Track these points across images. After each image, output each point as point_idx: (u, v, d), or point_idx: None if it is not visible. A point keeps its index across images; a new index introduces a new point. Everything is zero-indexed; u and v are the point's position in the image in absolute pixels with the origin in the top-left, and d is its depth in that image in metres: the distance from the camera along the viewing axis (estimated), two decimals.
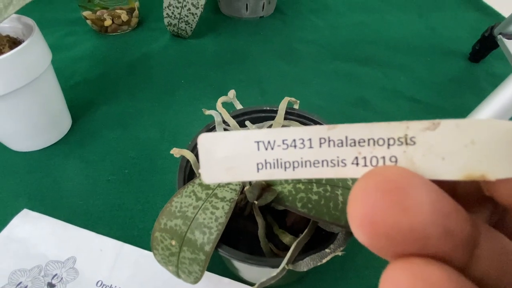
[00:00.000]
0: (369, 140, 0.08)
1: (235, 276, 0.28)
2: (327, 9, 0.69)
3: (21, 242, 0.30)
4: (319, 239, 0.20)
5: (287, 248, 0.21)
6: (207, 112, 0.25)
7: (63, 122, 0.40)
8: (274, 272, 0.19)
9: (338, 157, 0.08)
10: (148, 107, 0.45)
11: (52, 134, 0.39)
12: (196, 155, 0.24)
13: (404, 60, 0.55)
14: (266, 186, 0.19)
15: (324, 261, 0.17)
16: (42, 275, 0.28)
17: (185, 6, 0.53)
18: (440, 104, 0.48)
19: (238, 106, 0.28)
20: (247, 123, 0.25)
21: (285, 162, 0.09)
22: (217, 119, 0.25)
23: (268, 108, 0.27)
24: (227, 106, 0.27)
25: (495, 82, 0.42)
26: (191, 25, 0.55)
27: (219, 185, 0.21)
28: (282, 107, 0.25)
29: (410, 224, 0.07)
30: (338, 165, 0.08)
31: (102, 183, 0.35)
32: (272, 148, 0.09)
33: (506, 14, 0.49)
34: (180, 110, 0.45)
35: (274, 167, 0.09)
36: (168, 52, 0.56)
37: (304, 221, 0.22)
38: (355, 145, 0.08)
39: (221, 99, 0.24)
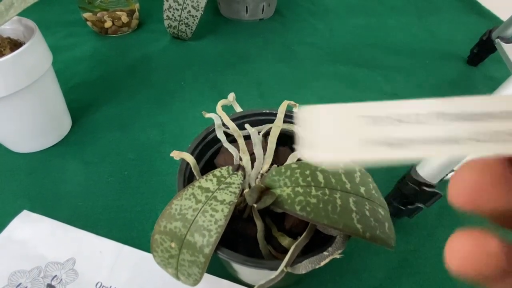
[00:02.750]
0: (487, 114, 0.07)
1: (233, 278, 0.28)
2: (326, 12, 0.69)
3: (21, 243, 0.30)
4: (318, 241, 0.21)
5: (285, 251, 0.21)
6: (207, 115, 0.25)
7: (63, 124, 0.40)
8: (273, 274, 0.19)
9: (451, 132, 0.07)
10: (148, 109, 0.45)
11: (52, 135, 0.39)
12: (196, 158, 0.24)
13: (403, 63, 0.56)
14: (265, 189, 0.20)
15: (322, 263, 0.18)
16: (41, 276, 0.28)
17: (185, 8, 0.53)
18: None
19: (238, 109, 0.28)
20: (247, 126, 0.26)
21: (391, 138, 0.08)
22: (217, 122, 0.25)
23: (267, 111, 0.28)
24: (227, 108, 0.27)
25: (493, 85, 0.43)
26: (191, 27, 0.56)
27: (218, 188, 0.21)
28: (281, 111, 0.25)
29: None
30: (451, 142, 0.07)
31: (102, 184, 0.35)
32: (378, 123, 0.08)
33: (504, 18, 0.49)
34: (180, 112, 0.45)
35: (379, 145, 0.08)
36: (168, 54, 0.56)
37: (302, 224, 0.22)
38: (472, 120, 0.07)
39: (221, 102, 0.25)
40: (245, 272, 0.25)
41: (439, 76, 0.53)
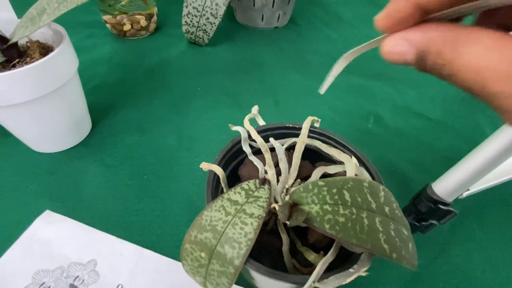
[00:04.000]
0: None
1: (248, 284, 0.29)
2: (340, 22, 0.70)
3: (44, 243, 0.31)
4: (338, 256, 0.21)
5: (309, 265, 0.22)
6: (234, 128, 0.26)
7: (84, 125, 0.41)
8: None
9: None
10: (166, 114, 0.46)
11: (74, 136, 0.40)
12: (224, 170, 0.25)
13: (416, 76, 0.56)
14: (293, 205, 0.20)
15: (348, 280, 0.18)
16: (64, 276, 0.29)
17: (204, 15, 0.54)
18: (451, 123, 0.48)
19: (261, 121, 0.29)
20: (272, 140, 0.26)
21: None
22: (244, 135, 0.26)
23: (290, 125, 0.28)
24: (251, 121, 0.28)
25: None
26: (209, 33, 0.57)
27: (247, 201, 0.22)
28: (306, 126, 0.26)
29: None
30: None
31: (122, 187, 0.36)
32: None
33: None
34: (197, 118, 0.46)
35: None
36: (185, 59, 0.57)
37: (326, 239, 0.23)
38: None
39: (248, 116, 0.25)
40: (264, 281, 0.25)
41: (452, 92, 0.54)
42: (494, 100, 0.11)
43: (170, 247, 0.32)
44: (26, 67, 0.30)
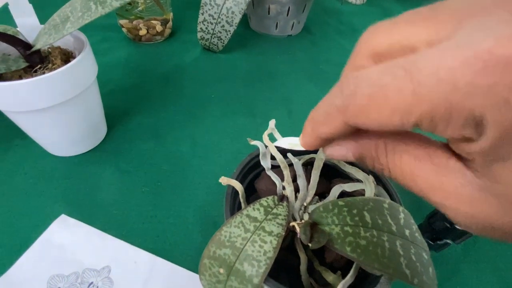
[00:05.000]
0: None
1: None
2: (354, 32, 0.70)
3: (60, 247, 0.32)
4: (356, 276, 0.21)
5: (326, 284, 0.22)
6: (252, 142, 0.26)
7: (100, 130, 0.42)
8: None
9: None
10: (180, 120, 0.46)
11: (90, 141, 0.41)
12: (241, 183, 0.25)
13: None
14: (313, 225, 0.20)
15: None
16: (79, 282, 0.30)
17: (220, 22, 0.55)
18: None
19: (277, 135, 0.29)
20: (289, 155, 0.26)
21: None
22: (262, 150, 0.26)
23: None
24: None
25: None
26: (223, 41, 0.57)
27: (266, 218, 0.22)
28: None
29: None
30: None
31: (137, 194, 0.37)
32: None
33: None
34: (211, 125, 0.46)
35: None
36: (199, 65, 0.57)
37: (344, 259, 0.23)
38: None
39: (267, 131, 0.26)
40: None
41: None
42: (437, 206, 0.11)
43: (183, 255, 0.32)
44: (48, 74, 0.30)
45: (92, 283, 0.30)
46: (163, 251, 0.32)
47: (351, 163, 0.28)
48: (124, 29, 0.60)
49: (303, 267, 0.21)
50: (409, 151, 0.12)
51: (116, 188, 0.37)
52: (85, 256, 0.31)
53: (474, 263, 0.34)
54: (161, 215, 0.35)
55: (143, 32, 0.59)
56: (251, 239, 0.21)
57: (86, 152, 0.41)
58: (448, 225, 0.29)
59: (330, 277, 0.21)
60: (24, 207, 0.35)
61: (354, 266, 0.20)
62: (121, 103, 0.48)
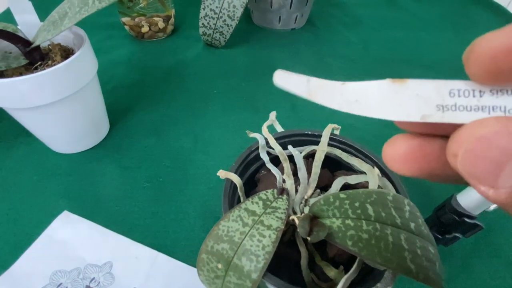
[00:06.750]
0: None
1: None
2: (359, 24, 0.69)
3: (62, 243, 0.32)
4: (360, 272, 0.21)
5: (328, 280, 0.21)
6: (252, 134, 0.25)
7: (102, 127, 0.42)
8: None
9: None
10: (182, 116, 0.46)
11: (92, 138, 0.41)
12: (241, 177, 0.24)
13: None
14: (313, 218, 0.20)
15: None
16: (81, 277, 0.30)
17: (221, 17, 0.54)
18: None
19: (278, 128, 0.29)
20: (290, 147, 0.26)
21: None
22: (261, 142, 0.25)
23: (309, 133, 0.28)
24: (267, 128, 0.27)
25: None
26: (225, 35, 0.56)
27: (265, 212, 0.21)
28: (326, 134, 0.25)
29: None
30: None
31: (138, 190, 0.37)
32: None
33: None
34: (213, 121, 0.45)
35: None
36: (201, 61, 0.57)
37: (346, 254, 0.22)
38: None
39: (267, 123, 0.25)
40: None
41: None
42: None
43: (184, 251, 0.32)
44: (48, 70, 0.30)
45: (94, 278, 0.30)
46: (164, 246, 0.32)
47: (355, 155, 0.27)
48: (126, 27, 0.60)
49: (304, 261, 0.20)
50: None
51: (118, 184, 0.37)
52: (87, 252, 0.31)
53: (486, 257, 0.33)
54: (162, 210, 0.35)
55: (145, 29, 0.59)
56: (249, 233, 0.20)
57: (89, 149, 0.41)
58: (457, 218, 0.28)
59: (331, 272, 0.20)
60: (28, 203, 0.35)
61: (357, 260, 0.19)
62: (124, 100, 0.48)
